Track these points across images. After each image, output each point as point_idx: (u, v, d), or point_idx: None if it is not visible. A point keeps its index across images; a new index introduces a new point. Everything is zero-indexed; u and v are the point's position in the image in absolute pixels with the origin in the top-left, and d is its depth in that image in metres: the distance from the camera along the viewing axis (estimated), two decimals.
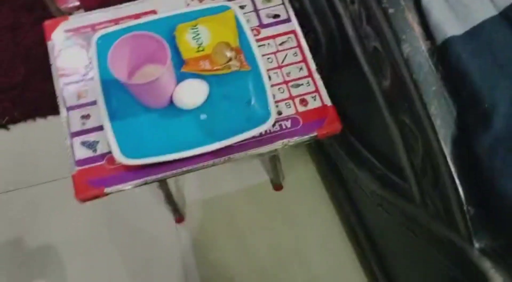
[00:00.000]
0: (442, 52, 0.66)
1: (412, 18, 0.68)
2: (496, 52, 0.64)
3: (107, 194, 0.80)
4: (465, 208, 0.66)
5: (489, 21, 0.66)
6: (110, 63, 0.74)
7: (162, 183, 1.16)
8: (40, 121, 1.44)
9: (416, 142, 0.70)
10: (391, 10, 0.68)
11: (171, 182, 1.32)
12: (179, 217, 1.29)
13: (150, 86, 0.76)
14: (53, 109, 1.41)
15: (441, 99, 0.65)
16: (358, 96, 0.88)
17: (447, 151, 0.65)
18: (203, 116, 0.82)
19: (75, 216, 1.32)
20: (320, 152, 1.32)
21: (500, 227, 0.64)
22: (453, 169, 0.65)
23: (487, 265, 0.66)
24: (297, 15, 0.91)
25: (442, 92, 0.65)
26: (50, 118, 1.44)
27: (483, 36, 0.65)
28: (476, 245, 0.67)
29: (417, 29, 0.67)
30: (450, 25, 0.66)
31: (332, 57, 0.92)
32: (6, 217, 1.33)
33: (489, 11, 0.67)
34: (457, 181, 0.65)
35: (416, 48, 0.67)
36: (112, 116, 0.81)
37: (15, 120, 1.43)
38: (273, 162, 1.26)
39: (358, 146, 0.99)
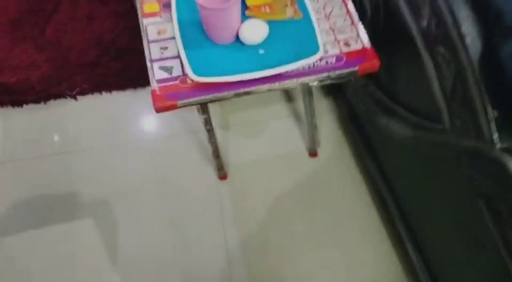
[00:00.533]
0: None
1: None
2: None
3: (179, 107, 0.95)
4: (489, 111, 0.78)
5: None
6: None
7: (212, 137, 1.30)
8: (105, 95, 1.63)
9: (449, 66, 0.83)
10: None
11: (219, 140, 1.46)
12: (223, 175, 1.42)
13: (221, 13, 0.93)
14: (118, 86, 1.63)
15: (470, 21, 0.78)
16: (394, 45, 1.02)
17: (475, 64, 0.78)
18: (261, 51, 0.98)
19: (127, 168, 1.48)
20: (352, 124, 1.44)
21: None
22: (479, 78, 0.78)
23: (507, 158, 0.76)
24: None
25: (472, 15, 0.78)
26: (115, 93, 1.63)
27: None
28: (498, 145, 0.78)
29: None
30: None
31: (376, 23, 1.07)
32: (67, 169, 1.49)
33: None
34: (483, 88, 0.78)
35: None
36: (186, 47, 0.98)
37: (84, 93, 1.63)
38: (311, 130, 1.40)
39: (390, 102, 1.12)
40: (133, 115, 1.57)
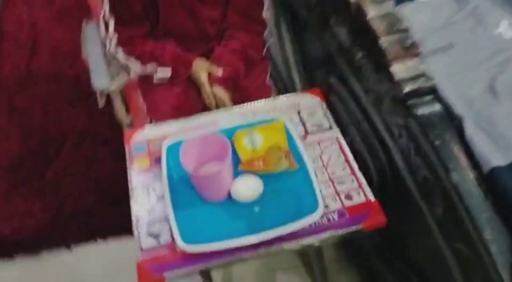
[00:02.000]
0: (490, 181, 0.70)
1: (457, 149, 0.73)
2: None
3: (166, 280, 0.85)
4: None
5: None
6: (182, 158, 0.87)
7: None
8: (100, 243, 1.53)
9: (474, 269, 0.70)
10: (437, 142, 0.74)
11: None
12: None
13: (212, 178, 0.87)
14: (114, 233, 1.55)
15: (495, 225, 0.67)
16: (408, 225, 0.92)
17: (506, 277, 0.64)
18: (256, 209, 0.91)
19: None
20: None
21: None
22: None
23: None
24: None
25: (496, 219, 0.68)
26: (110, 240, 1.53)
27: None
28: None
29: (463, 159, 0.73)
30: (494, 156, 0.71)
31: (383, 191, 0.97)
32: None
33: None
34: None
35: (464, 176, 0.71)
36: (176, 208, 0.91)
37: (78, 242, 1.54)
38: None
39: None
40: (129, 265, 1.46)
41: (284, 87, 1.46)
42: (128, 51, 1.16)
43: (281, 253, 0.87)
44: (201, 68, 1.21)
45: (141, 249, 0.89)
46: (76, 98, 1.90)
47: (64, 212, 1.60)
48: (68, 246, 1.52)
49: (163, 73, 1.19)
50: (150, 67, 1.19)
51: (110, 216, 1.57)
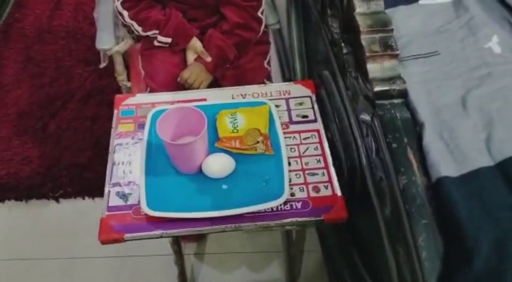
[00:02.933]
0: (436, 189, 0.71)
1: (413, 154, 0.74)
2: (485, 198, 0.68)
3: (126, 240, 0.88)
4: None
5: (484, 169, 0.71)
6: (158, 126, 0.89)
7: (179, 258, 1.21)
8: (87, 201, 1.58)
9: (407, 272, 0.70)
10: (394, 145, 0.75)
11: (187, 264, 1.36)
12: None
13: (185, 148, 0.89)
14: (101, 193, 1.58)
15: (429, 232, 0.68)
16: (367, 223, 0.92)
17: None
18: (224, 187, 0.92)
19: None
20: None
21: None
22: None
23: None
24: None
25: (432, 226, 0.68)
26: (97, 200, 1.57)
27: (476, 182, 0.70)
28: None
29: (415, 165, 0.73)
30: (446, 166, 0.71)
31: (352, 186, 0.97)
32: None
33: (486, 161, 0.72)
34: None
35: (412, 181, 0.71)
36: (148, 173, 0.94)
37: (66, 196, 1.59)
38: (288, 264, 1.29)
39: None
40: None
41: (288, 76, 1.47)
42: (132, 15, 1.19)
43: (238, 231, 0.89)
44: (192, 48, 1.23)
45: (107, 206, 0.92)
46: (89, 58, 1.94)
47: (60, 164, 1.64)
48: (56, 199, 1.57)
49: (164, 40, 1.22)
50: (151, 34, 1.22)
51: (103, 174, 1.61)
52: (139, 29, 1.22)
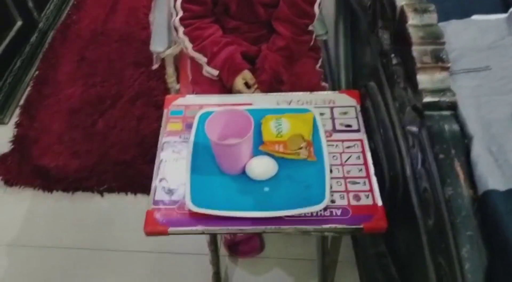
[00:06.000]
0: (482, 202, 0.70)
1: (460, 166, 0.73)
2: None
3: (170, 234, 0.92)
4: None
5: None
6: (206, 126, 0.93)
7: (214, 258, 1.24)
8: (130, 197, 1.64)
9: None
10: (441, 156, 0.75)
11: (221, 265, 1.39)
12: None
13: (231, 148, 0.92)
14: (144, 190, 1.64)
15: (474, 244, 0.67)
16: (408, 235, 0.92)
17: None
18: (266, 189, 0.95)
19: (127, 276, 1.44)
20: None
21: None
22: None
23: None
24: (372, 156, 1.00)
25: (476, 239, 0.68)
26: (139, 196, 1.63)
27: None
28: None
29: (462, 177, 0.72)
30: (493, 179, 0.70)
31: (393, 197, 0.98)
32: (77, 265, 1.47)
33: None
34: None
35: (458, 192, 0.71)
36: (193, 171, 0.97)
37: (111, 190, 1.65)
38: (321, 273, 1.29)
39: None
40: None
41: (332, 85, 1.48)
42: (187, 32, 1.22)
43: (278, 233, 0.90)
44: (242, 76, 1.23)
45: (154, 200, 0.96)
46: (139, 61, 2.02)
47: (106, 160, 1.71)
48: (101, 193, 1.64)
49: (211, 71, 1.25)
50: (199, 58, 1.25)
51: (146, 171, 1.66)
52: (189, 46, 1.24)
